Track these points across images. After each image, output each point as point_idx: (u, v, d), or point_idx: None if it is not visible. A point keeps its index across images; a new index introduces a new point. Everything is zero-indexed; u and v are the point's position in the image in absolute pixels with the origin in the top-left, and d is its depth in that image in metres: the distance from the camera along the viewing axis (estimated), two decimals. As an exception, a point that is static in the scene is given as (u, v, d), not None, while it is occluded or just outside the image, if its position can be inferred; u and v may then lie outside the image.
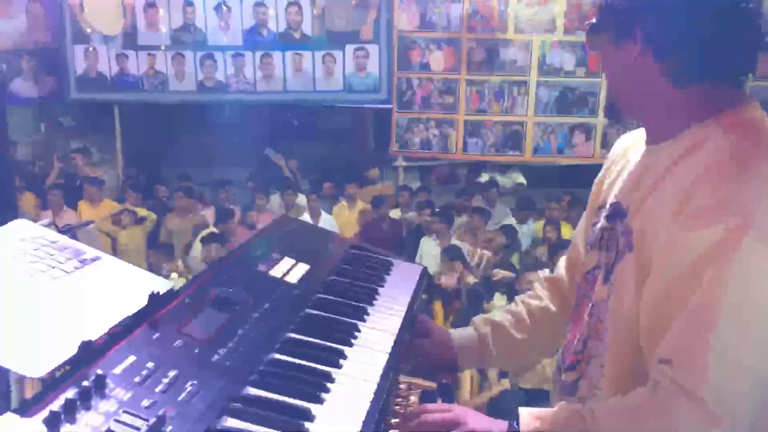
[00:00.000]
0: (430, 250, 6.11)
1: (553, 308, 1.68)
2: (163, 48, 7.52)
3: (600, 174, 1.57)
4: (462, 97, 7.84)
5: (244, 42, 7.59)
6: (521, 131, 7.90)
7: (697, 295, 1.11)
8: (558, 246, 5.30)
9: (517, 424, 1.24)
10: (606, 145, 7.67)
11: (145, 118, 8.37)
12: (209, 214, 6.93)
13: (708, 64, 1.21)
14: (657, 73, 1.24)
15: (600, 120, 7.71)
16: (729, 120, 1.22)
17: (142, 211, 6.54)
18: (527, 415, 1.25)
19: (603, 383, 1.32)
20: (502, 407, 4.09)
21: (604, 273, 1.36)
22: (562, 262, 1.74)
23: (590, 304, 1.40)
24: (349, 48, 7.68)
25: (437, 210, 6.72)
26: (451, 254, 5.46)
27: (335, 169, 8.21)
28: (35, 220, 1.31)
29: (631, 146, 1.46)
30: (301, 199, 7.29)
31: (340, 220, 6.96)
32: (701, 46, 1.19)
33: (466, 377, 4.46)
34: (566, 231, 6.13)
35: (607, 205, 1.43)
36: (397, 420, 1.40)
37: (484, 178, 8.61)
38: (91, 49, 7.55)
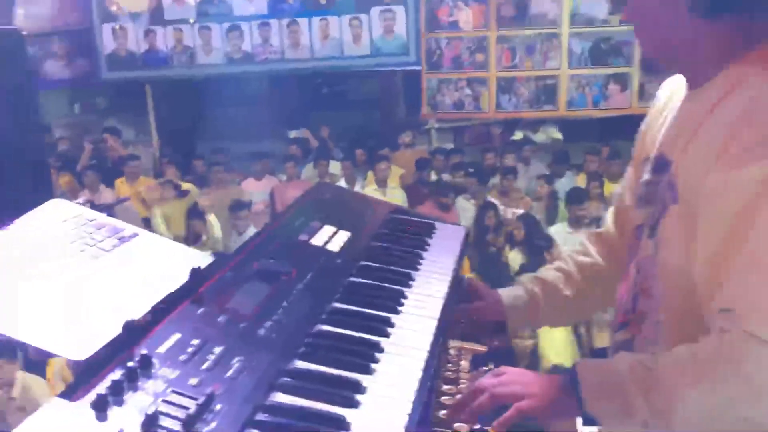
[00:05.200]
0: (465, 209, 6.07)
1: (602, 263, 1.62)
2: (192, 21, 7.49)
3: (644, 123, 1.50)
4: (493, 54, 7.67)
5: (269, 10, 7.51)
6: (555, 85, 7.71)
7: (752, 238, 1.05)
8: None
9: (574, 377, 1.19)
10: (643, 94, 7.44)
11: (177, 95, 8.39)
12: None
13: None
14: (684, 8, 1.16)
15: (636, 69, 7.47)
16: (766, 53, 1.15)
17: (184, 185, 6.55)
18: (585, 367, 1.20)
19: (660, 340, 1.26)
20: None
21: (650, 228, 1.30)
22: (609, 215, 1.67)
23: (636, 261, 1.34)
24: (375, 10, 7.54)
25: (470, 170, 6.63)
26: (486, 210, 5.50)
27: (367, 136, 8.15)
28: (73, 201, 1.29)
29: (675, 92, 1.38)
30: (335, 167, 7.26)
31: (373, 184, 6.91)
32: None
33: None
34: (607, 187, 6.01)
35: (651, 158, 1.36)
36: (448, 386, 1.37)
37: (519, 135, 8.46)
38: (119, 27, 7.56)
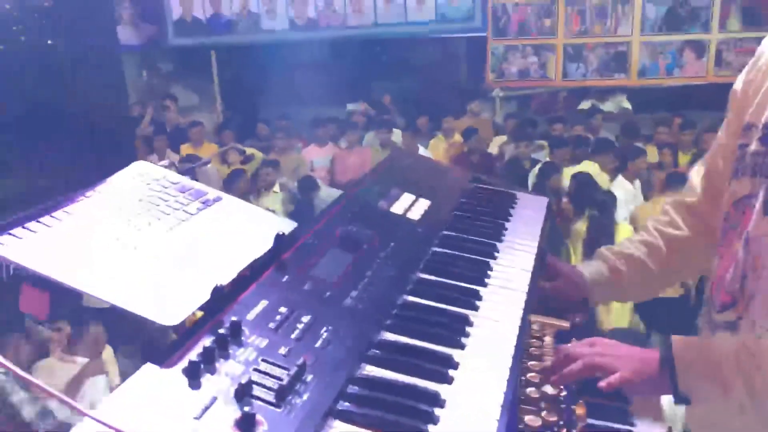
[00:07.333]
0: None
1: (690, 234, 1.53)
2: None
3: (741, 82, 1.37)
4: (561, 19, 7.42)
5: (334, -24, 7.44)
6: (626, 52, 7.42)
7: None
8: (675, 174, 4.96)
9: (669, 353, 1.13)
10: (720, 62, 7.10)
11: (240, 60, 8.43)
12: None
13: None
14: None
15: (714, 36, 7.12)
16: None
17: (248, 150, 6.59)
18: (681, 344, 1.14)
19: None
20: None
21: (764, 204, 1.20)
22: (696, 181, 1.56)
23: (744, 238, 1.25)
24: (441, -25, 7.39)
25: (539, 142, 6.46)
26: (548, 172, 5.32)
27: (430, 104, 8.03)
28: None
29: None
30: (396, 135, 7.19)
31: (437, 154, 6.83)
32: None
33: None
34: (683, 158, 5.78)
35: (760, 127, 1.25)
36: (533, 362, 1.32)
37: (586, 105, 8.21)
38: (185, -8, 7.61)
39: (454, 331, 1.05)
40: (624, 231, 4.51)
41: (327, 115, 7.57)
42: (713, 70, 7.14)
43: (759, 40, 1.37)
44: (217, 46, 7.89)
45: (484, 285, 1.22)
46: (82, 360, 3.55)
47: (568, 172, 5.41)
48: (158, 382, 0.78)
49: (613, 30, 7.39)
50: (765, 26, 1.57)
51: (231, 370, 0.83)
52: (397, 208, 1.44)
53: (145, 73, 8.95)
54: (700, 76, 7.18)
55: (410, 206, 1.46)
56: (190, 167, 1.21)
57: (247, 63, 8.51)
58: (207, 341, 0.85)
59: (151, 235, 1.02)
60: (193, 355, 0.83)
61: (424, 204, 1.48)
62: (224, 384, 0.80)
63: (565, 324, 1.54)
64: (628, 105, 8.32)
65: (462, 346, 1.02)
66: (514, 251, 1.39)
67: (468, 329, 1.07)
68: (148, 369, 0.80)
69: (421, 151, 6.77)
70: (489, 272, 1.27)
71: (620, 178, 5.50)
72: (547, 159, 6.07)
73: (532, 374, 1.28)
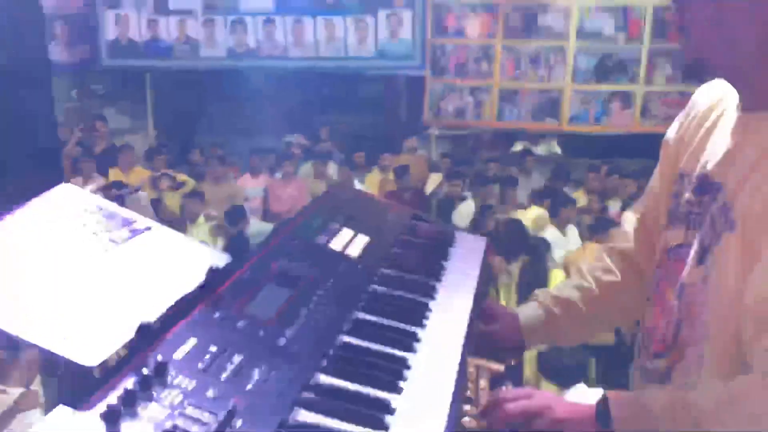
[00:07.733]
0: (467, 214, 5.99)
1: (622, 279, 1.54)
2: (198, 14, 7.41)
3: (673, 131, 1.40)
4: (497, 63, 7.63)
5: (275, 7, 7.44)
6: (558, 99, 7.67)
7: None
8: (603, 220, 5.10)
9: (606, 410, 1.12)
10: (646, 113, 7.41)
11: (176, 86, 8.28)
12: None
13: None
14: None
15: (640, 87, 7.43)
16: None
17: (181, 177, 6.46)
18: (617, 400, 1.14)
19: (703, 373, 1.18)
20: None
21: (698, 254, 1.22)
22: (626, 223, 1.58)
23: (678, 286, 1.26)
24: (382, 13, 7.50)
25: (470, 180, 6.57)
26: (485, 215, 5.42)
27: (368, 139, 8.08)
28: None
29: (718, 104, 1.29)
30: (332, 167, 7.18)
31: (373, 189, 6.84)
32: None
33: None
34: (610, 204, 5.96)
35: (693, 178, 1.28)
36: (468, 407, 1.30)
37: (519, 147, 8.42)
38: (122, 14, 7.46)
39: (391, 373, 1.01)
40: (556, 277, 4.58)
41: (264, 146, 7.50)
42: (639, 120, 7.45)
43: (683, 93, 1.40)
44: (153, 70, 7.74)
45: (423, 327, 1.19)
46: (14, 390, 3.26)
47: (520, 216, 5.53)
48: (72, 428, 0.72)
49: (546, 77, 7.64)
50: (703, 81, 1.64)
51: (154, 414, 0.77)
52: (336, 243, 1.40)
53: (76, 93, 8.69)
54: (626, 125, 7.48)
55: (349, 242, 1.42)
56: (119, 194, 1.15)
57: (184, 88, 8.37)
58: (129, 382, 0.79)
59: (72, 265, 0.95)
60: (113, 397, 0.76)
61: (363, 240, 1.45)
62: (146, 430, 0.74)
63: (500, 367, 1.52)
64: (558, 150, 8.57)
65: (399, 390, 0.98)
66: (452, 292, 1.36)
67: (406, 372, 1.03)
68: (61, 412, 0.73)
69: (357, 185, 6.77)
70: (427, 313, 1.25)
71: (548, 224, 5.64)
72: (471, 197, 6.20)
73: (466, 419, 1.25)
